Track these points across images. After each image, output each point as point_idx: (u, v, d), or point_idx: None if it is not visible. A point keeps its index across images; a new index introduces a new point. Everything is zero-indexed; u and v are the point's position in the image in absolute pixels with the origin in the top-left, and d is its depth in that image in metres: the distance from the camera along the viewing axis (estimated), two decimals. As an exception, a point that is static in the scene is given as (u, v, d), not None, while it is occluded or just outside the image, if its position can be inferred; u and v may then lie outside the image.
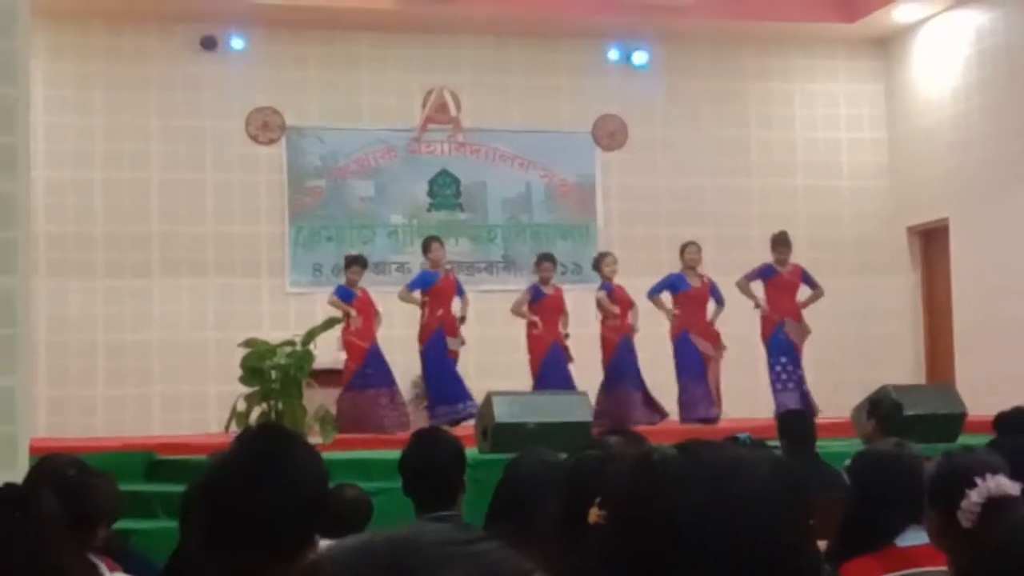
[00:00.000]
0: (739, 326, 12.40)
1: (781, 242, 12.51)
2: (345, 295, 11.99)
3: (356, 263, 12.19)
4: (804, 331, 12.30)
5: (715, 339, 12.31)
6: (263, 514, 2.14)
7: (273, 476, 2.19)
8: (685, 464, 1.48)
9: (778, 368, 12.24)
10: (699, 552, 1.39)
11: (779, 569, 1.43)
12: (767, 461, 1.53)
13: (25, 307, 8.06)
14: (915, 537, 3.56)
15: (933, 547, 3.34)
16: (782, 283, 12.40)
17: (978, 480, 3.10)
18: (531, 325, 12.14)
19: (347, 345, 11.84)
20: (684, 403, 12.16)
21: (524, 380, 12.41)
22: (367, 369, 11.76)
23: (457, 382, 11.94)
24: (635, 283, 13.19)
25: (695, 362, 12.19)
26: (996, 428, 6.21)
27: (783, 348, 12.26)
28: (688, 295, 12.36)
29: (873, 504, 3.71)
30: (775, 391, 12.17)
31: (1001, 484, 3.11)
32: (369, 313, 11.97)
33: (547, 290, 12.35)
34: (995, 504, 3.07)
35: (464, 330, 12.70)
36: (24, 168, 8.03)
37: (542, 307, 12.25)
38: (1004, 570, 1.70)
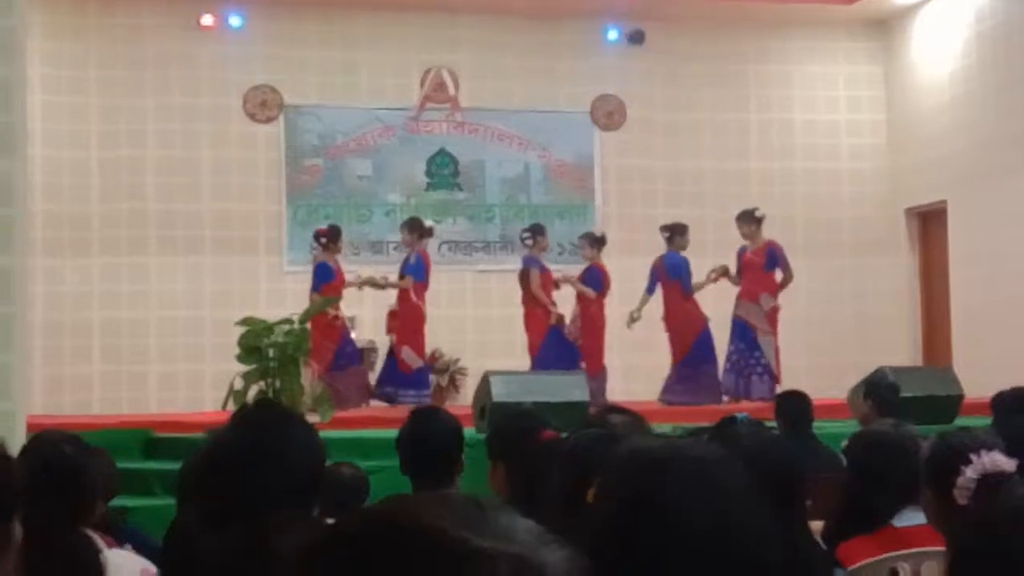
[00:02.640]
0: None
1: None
2: (328, 274, 11.87)
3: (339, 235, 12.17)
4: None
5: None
6: (261, 488, 2.14)
7: (271, 451, 2.19)
8: (673, 457, 1.52)
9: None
10: (691, 540, 1.42)
11: (758, 555, 1.45)
12: (735, 457, 1.57)
13: (22, 285, 8.06)
14: (912, 518, 3.57)
15: (930, 527, 3.35)
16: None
17: (973, 457, 3.11)
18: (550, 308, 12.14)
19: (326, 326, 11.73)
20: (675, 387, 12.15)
21: (521, 359, 12.41)
22: (347, 348, 11.77)
23: (387, 364, 12.01)
24: (633, 263, 13.18)
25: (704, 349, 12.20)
26: (994, 409, 6.19)
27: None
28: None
29: (870, 485, 3.71)
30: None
31: (996, 460, 3.12)
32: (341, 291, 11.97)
33: (544, 263, 12.30)
34: (990, 480, 3.07)
35: (459, 310, 12.73)
36: (21, 147, 8.02)
37: (546, 284, 12.19)
38: (995, 550, 1.70)
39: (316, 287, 11.78)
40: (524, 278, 12.17)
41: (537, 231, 12.36)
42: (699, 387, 12.08)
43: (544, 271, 12.17)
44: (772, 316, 12.28)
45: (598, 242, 12.44)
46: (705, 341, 12.16)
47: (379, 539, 0.96)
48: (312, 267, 12.07)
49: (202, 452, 2.25)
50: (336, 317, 11.71)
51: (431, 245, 14.06)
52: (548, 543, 0.99)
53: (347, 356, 11.79)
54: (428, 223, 12.49)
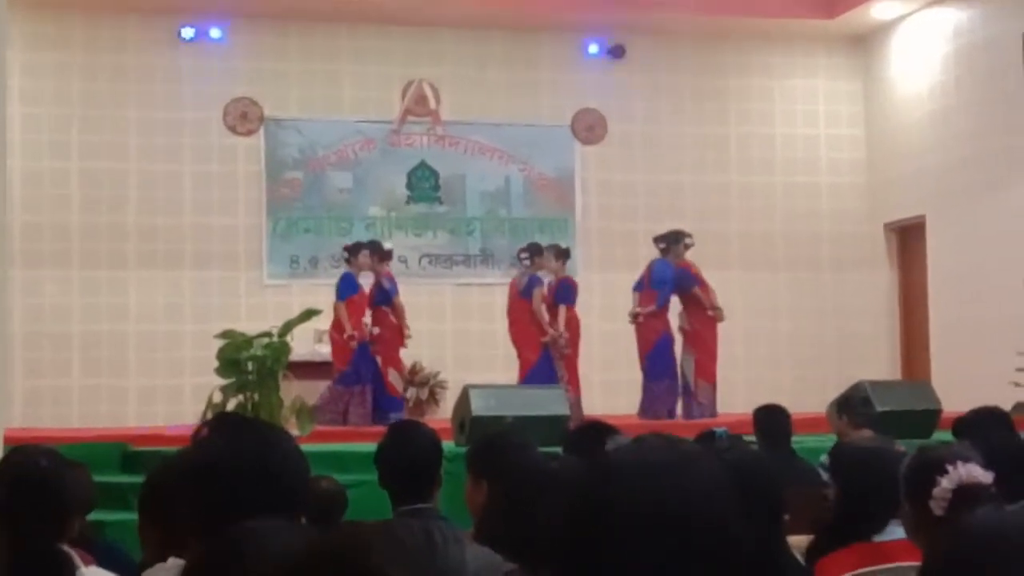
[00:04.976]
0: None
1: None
2: (351, 287, 11.92)
3: (365, 248, 12.19)
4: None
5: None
6: (245, 498, 2.13)
7: (253, 459, 2.19)
8: (634, 457, 1.50)
9: None
10: (644, 541, 1.41)
11: (720, 560, 1.45)
12: (712, 458, 1.56)
13: (0, 297, 8.02)
14: (893, 532, 3.57)
15: (910, 542, 3.35)
16: None
17: (949, 468, 3.12)
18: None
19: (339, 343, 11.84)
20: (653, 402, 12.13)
21: (501, 373, 12.41)
22: (347, 369, 11.76)
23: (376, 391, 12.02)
24: (612, 278, 13.21)
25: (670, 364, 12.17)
26: (956, 434, 5.88)
27: None
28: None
29: (855, 499, 3.71)
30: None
31: (972, 471, 3.13)
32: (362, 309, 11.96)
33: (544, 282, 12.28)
34: (966, 491, 3.08)
35: (439, 324, 12.69)
36: (2, 160, 7.99)
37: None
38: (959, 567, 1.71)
39: (339, 297, 11.84)
40: (526, 295, 12.10)
41: (535, 251, 12.32)
42: (649, 401, 12.08)
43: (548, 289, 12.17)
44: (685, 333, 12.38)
45: (563, 255, 12.42)
46: (657, 354, 12.13)
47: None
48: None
49: (178, 468, 2.24)
50: (351, 337, 11.69)
51: (412, 257, 14.10)
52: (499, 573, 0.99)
53: (343, 376, 11.76)
54: (387, 245, 12.56)
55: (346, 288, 11.92)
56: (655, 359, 12.11)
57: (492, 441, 4.50)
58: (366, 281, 12.14)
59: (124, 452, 9.68)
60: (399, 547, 0.99)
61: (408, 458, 4.24)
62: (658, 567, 1.41)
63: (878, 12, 14.69)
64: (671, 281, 12.14)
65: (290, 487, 2.23)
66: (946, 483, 3.12)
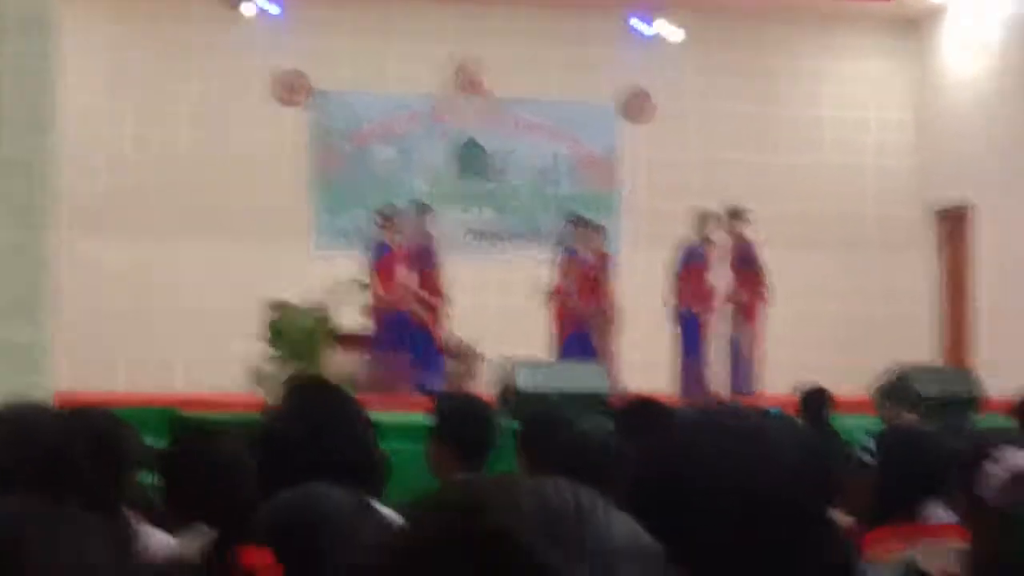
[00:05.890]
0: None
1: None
2: (378, 249, 12.07)
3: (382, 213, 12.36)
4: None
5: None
6: (321, 465, 2.17)
7: (332, 427, 2.24)
8: (709, 427, 1.52)
9: None
10: (714, 510, 1.43)
11: (793, 532, 1.46)
12: (789, 431, 1.56)
13: (50, 263, 8.13)
14: (937, 513, 3.58)
15: (957, 525, 3.36)
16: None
17: (1000, 454, 3.13)
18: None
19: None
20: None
21: (541, 349, 12.44)
22: (383, 333, 11.87)
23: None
24: (659, 256, 13.19)
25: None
26: (1019, 414, 6.00)
27: None
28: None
29: (897, 480, 3.72)
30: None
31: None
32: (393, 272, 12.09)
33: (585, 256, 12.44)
34: (1019, 479, 3.09)
35: (484, 298, 12.77)
36: (53, 125, 8.08)
37: (583, 275, 12.40)
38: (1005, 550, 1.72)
39: (370, 262, 12.06)
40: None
41: (580, 223, 12.54)
42: (684, 378, 12.26)
43: (584, 264, 12.28)
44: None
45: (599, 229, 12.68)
46: (684, 330, 12.34)
47: (457, 544, 0.86)
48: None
49: (266, 428, 2.29)
50: (380, 299, 11.85)
51: (457, 233, 14.14)
52: (644, 553, 0.89)
53: (377, 340, 11.89)
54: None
55: (375, 252, 12.05)
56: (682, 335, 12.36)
57: (540, 417, 4.53)
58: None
59: (171, 417, 9.77)
60: (543, 510, 0.85)
61: (471, 429, 4.28)
62: (721, 534, 1.43)
63: (931, -6, 14.57)
64: (682, 258, 12.50)
65: (365, 453, 2.27)
66: (996, 469, 3.13)
